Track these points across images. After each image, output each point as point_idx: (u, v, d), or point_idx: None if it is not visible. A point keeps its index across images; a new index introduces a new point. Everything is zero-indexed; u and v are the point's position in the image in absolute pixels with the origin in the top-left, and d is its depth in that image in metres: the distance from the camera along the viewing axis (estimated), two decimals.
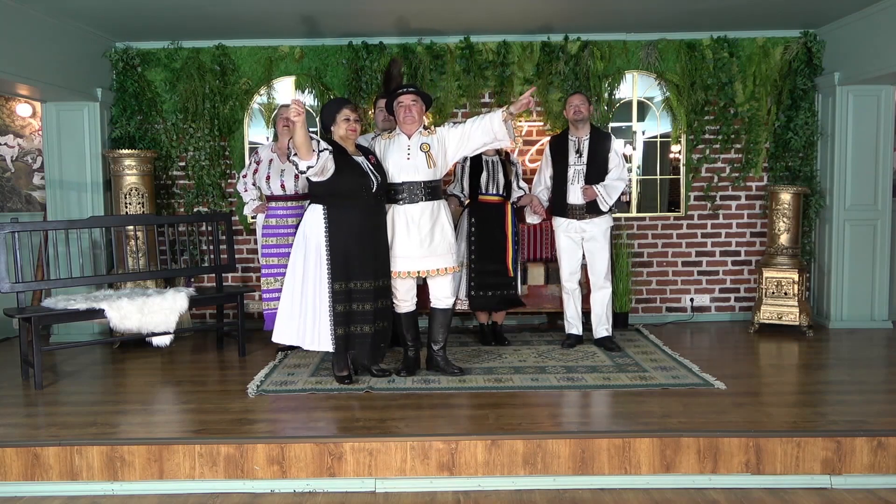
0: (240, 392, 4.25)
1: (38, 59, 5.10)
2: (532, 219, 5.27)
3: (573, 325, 5.28)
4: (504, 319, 5.52)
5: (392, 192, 4.37)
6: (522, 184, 5.25)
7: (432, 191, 4.36)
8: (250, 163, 5.31)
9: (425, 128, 4.41)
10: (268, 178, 5.08)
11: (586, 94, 5.45)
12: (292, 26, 5.67)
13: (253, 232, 6.22)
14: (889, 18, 5.16)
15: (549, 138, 5.63)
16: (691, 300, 6.32)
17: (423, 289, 4.62)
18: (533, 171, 5.74)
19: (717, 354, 5.12)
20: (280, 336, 4.30)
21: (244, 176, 5.32)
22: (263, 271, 5.15)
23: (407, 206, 4.34)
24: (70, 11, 5.16)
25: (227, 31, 5.81)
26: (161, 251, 5.88)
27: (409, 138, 4.37)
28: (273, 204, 5.13)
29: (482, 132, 4.27)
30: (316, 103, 6.09)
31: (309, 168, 4.01)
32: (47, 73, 5.19)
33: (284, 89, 6.21)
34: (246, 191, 5.31)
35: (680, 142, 6.24)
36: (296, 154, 4.00)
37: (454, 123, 4.42)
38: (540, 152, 5.89)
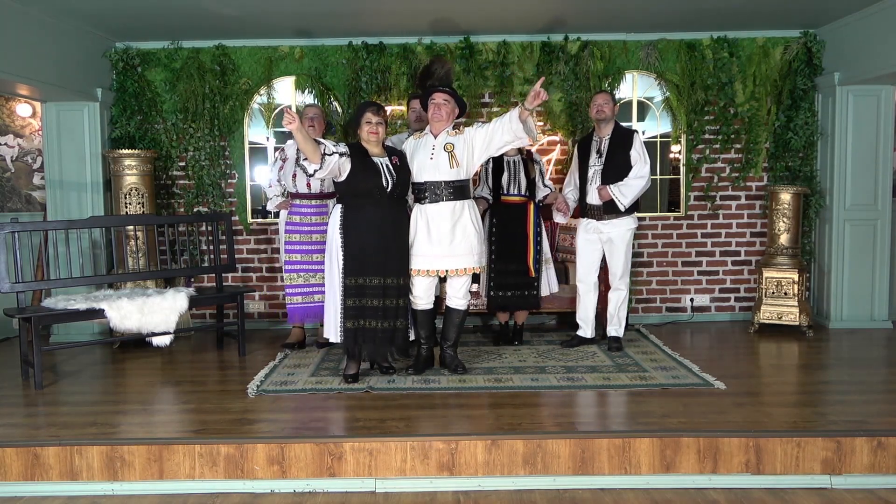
0: (240, 392, 4.26)
1: (38, 59, 5.10)
2: (558, 217, 5.28)
3: (584, 329, 5.26)
4: (526, 319, 5.51)
5: (416, 192, 4.41)
6: (548, 182, 5.24)
7: (455, 191, 4.36)
8: (276, 159, 5.37)
9: (454, 127, 4.41)
10: (294, 176, 5.10)
11: (611, 93, 5.38)
12: (292, 26, 5.67)
13: (253, 232, 6.25)
14: (889, 18, 5.16)
15: (577, 139, 5.65)
16: (691, 300, 6.32)
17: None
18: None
19: (717, 354, 5.12)
20: (329, 332, 4.40)
21: (270, 172, 5.38)
22: (286, 267, 5.17)
23: (429, 206, 4.35)
24: (70, 11, 5.16)
25: (227, 31, 5.81)
26: (161, 251, 5.88)
27: (436, 138, 4.39)
28: (297, 202, 5.16)
29: (503, 131, 4.26)
30: (316, 103, 6.09)
31: (315, 171, 4.12)
32: (47, 73, 5.18)
33: (284, 89, 6.22)
34: (270, 186, 5.35)
35: (680, 142, 6.24)
36: (306, 158, 4.11)
37: (481, 123, 4.41)
38: (542, 153, 5.89)
